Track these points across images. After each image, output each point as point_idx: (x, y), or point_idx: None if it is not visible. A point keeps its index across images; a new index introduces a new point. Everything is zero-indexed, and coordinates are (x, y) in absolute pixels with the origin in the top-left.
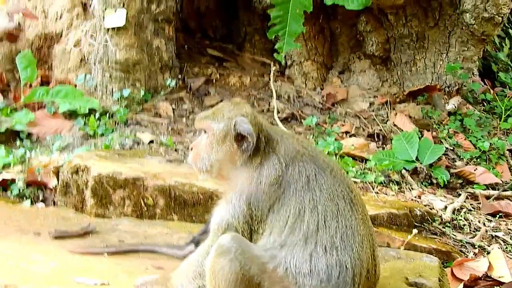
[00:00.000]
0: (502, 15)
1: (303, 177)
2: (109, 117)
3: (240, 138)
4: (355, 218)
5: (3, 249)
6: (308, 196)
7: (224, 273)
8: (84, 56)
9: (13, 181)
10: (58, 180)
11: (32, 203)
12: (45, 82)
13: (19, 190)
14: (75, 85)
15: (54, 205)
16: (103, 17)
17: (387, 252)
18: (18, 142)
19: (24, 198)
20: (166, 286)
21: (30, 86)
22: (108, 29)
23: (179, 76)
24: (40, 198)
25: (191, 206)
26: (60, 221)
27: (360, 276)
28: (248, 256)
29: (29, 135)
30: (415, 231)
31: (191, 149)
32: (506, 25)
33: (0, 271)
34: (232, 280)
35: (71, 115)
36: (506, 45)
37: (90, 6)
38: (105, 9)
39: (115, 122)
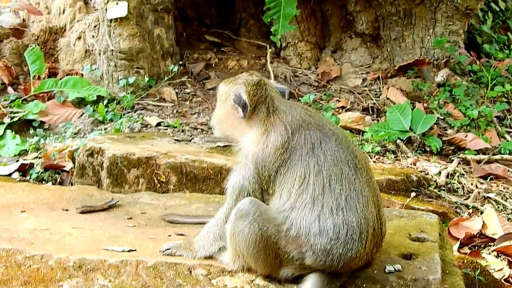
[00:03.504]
0: None
1: (308, 144)
2: (116, 103)
3: (236, 104)
4: (359, 181)
5: (36, 224)
6: (313, 161)
7: (244, 234)
8: (88, 47)
9: (31, 166)
10: (74, 163)
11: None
12: (52, 73)
13: (38, 174)
14: (82, 75)
15: (71, 186)
16: (105, 10)
17: (390, 212)
18: (31, 131)
19: (43, 181)
20: (189, 249)
21: (39, 78)
22: (111, 21)
23: (180, 62)
24: (58, 181)
25: (201, 181)
26: (85, 198)
27: (367, 234)
28: (265, 218)
29: (41, 124)
30: (413, 194)
31: None
32: None
33: (36, 243)
34: (251, 240)
35: (80, 103)
36: (489, 18)
37: (91, 0)
38: (107, 2)
39: (123, 107)
